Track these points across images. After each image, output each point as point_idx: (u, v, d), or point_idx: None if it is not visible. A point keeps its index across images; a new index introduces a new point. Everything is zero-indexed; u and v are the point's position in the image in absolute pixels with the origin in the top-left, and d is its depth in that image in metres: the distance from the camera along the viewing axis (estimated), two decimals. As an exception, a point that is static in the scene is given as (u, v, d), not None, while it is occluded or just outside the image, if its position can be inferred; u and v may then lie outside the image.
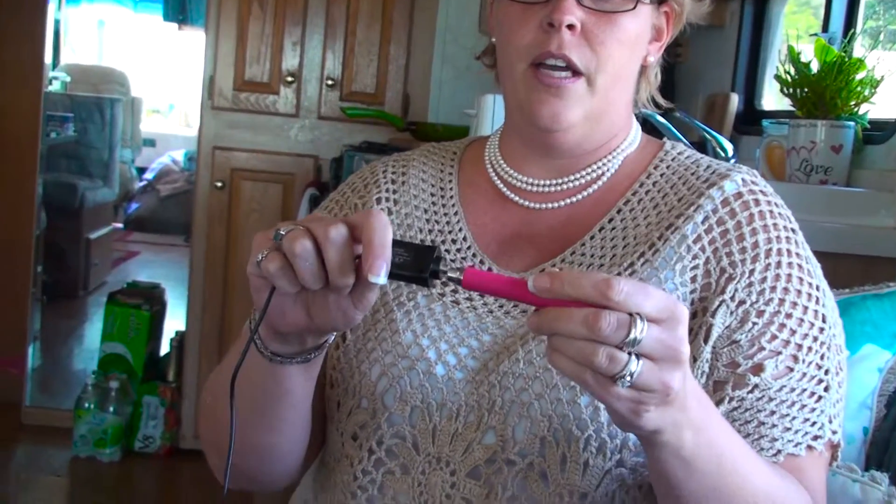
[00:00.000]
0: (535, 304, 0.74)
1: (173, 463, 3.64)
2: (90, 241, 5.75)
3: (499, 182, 1.08)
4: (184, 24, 7.30)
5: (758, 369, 0.93)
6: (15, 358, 3.95)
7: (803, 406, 0.94)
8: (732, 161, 2.02)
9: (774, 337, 0.94)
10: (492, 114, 2.32)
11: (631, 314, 0.70)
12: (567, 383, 0.92)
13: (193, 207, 3.62)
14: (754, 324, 0.94)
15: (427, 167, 1.13)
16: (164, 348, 3.89)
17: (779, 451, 0.93)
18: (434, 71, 3.49)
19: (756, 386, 0.93)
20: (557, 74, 0.97)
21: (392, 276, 0.77)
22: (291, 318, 0.82)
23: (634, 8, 0.98)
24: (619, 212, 1.03)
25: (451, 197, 1.10)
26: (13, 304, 3.95)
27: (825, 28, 2.36)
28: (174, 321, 4.08)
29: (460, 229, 1.07)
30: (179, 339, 3.72)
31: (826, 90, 2.01)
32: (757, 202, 0.99)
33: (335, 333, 0.92)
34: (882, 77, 1.99)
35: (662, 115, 1.97)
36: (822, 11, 2.42)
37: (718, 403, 0.92)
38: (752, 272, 0.95)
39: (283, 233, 0.78)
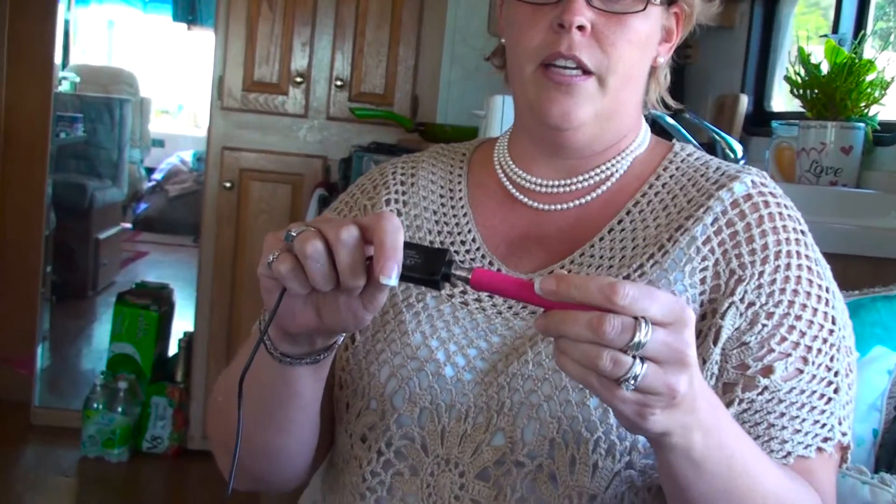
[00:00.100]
0: (542, 306, 0.74)
1: (181, 463, 3.64)
2: (99, 241, 5.76)
3: (508, 183, 1.08)
4: (193, 25, 7.32)
5: (767, 371, 0.93)
6: (24, 358, 3.96)
7: (813, 408, 0.94)
8: (742, 162, 2.02)
9: (784, 339, 0.94)
10: (501, 115, 2.32)
11: (636, 318, 0.70)
12: (576, 385, 0.92)
13: (202, 208, 3.63)
14: (764, 326, 0.94)
15: (436, 168, 1.13)
16: (173, 349, 3.89)
17: (789, 453, 0.93)
18: (443, 72, 3.49)
19: (766, 388, 0.93)
20: (568, 73, 0.96)
21: (403, 278, 0.77)
22: (301, 319, 0.82)
23: (644, 9, 0.97)
24: (628, 213, 1.03)
25: (461, 198, 1.09)
26: (22, 304, 3.96)
27: (835, 29, 2.36)
28: (182, 322, 4.09)
29: (469, 231, 1.07)
30: (188, 340, 3.72)
31: (836, 91, 2.00)
32: (766, 204, 0.98)
33: (345, 335, 0.92)
34: (892, 78, 1.98)
35: (672, 116, 1.97)
36: (831, 13, 2.42)
37: (728, 405, 0.92)
38: (761, 274, 0.95)
39: (295, 234, 0.78)
